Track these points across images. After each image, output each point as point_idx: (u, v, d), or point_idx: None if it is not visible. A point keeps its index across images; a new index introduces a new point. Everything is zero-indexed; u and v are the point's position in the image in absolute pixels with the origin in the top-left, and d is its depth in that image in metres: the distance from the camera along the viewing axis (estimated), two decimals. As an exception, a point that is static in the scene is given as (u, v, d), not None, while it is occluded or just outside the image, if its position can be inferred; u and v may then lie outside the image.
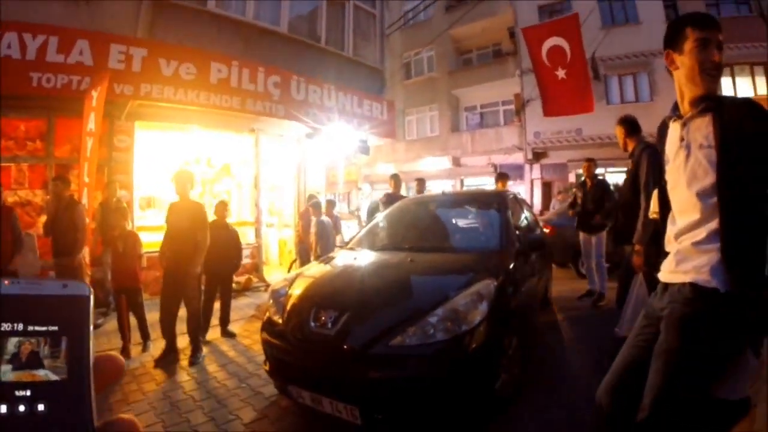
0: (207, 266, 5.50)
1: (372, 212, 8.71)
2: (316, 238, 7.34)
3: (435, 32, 19.99)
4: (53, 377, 0.47)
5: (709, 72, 1.83)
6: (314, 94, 10.32)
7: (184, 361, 5.09)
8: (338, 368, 3.06)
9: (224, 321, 6.14)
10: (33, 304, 0.48)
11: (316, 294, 3.72)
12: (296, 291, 3.80)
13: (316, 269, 4.43)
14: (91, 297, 0.51)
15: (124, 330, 5.39)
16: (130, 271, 5.39)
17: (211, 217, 5.70)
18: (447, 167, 23.06)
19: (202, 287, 5.40)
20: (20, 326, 0.47)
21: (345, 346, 3.07)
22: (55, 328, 0.48)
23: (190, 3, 9.02)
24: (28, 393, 0.46)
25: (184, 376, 4.71)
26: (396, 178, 8.06)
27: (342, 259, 4.59)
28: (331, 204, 8.48)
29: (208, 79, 8.45)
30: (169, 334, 5.18)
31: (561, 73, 10.26)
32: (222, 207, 6.23)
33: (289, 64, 10.24)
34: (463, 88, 23.14)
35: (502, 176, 8.26)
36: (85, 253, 6.12)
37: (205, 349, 5.40)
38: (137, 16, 8.30)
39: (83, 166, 6.56)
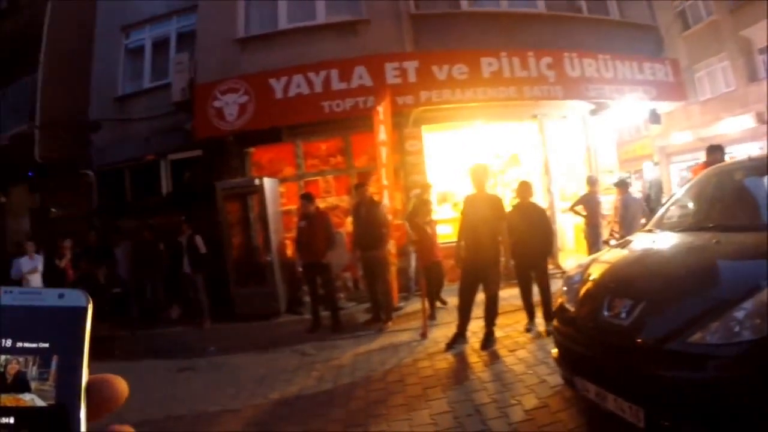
0: (515, 250, 5.49)
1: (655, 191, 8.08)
2: (618, 217, 7.24)
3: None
4: (40, 403, 0.42)
5: None
6: (590, 68, 9.71)
7: (476, 344, 5.36)
8: (629, 363, 2.83)
9: (548, 307, 5.56)
10: (24, 317, 0.43)
11: (610, 281, 3.53)
12: (590, 277, 3.64)
13: (611, 255, 4.25)
14: (89, 308, 0.45)
15: (424, 310, 6.18)
16: (436, 249, 6.95)
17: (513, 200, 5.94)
18: (750, 126, 19.30)
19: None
20: (8, 342, 0.42)
21: (639, 339, 2.83)
22: (46, 345, 0.43)
23: (443, 9, 9.59)
24: (12, 420, 0.41)
25: (475, 358, 5.05)
26: (714, 150, 7.19)
27: (639, 243, 4.27)
28: (624, 184, 8.11)
29: (481, 74, 8.82)
30: (463, 321, 5.44)
31: None
32: (525, 187, 6.02)
33: (556, 43, 9.84)
34: (752, 27, 18.52)
35: None
36: (391, 246, 7.06)
37: (498, 333, 5.44)
38: (401, 34, 9.20)
39: (380, 172, 7.54)
